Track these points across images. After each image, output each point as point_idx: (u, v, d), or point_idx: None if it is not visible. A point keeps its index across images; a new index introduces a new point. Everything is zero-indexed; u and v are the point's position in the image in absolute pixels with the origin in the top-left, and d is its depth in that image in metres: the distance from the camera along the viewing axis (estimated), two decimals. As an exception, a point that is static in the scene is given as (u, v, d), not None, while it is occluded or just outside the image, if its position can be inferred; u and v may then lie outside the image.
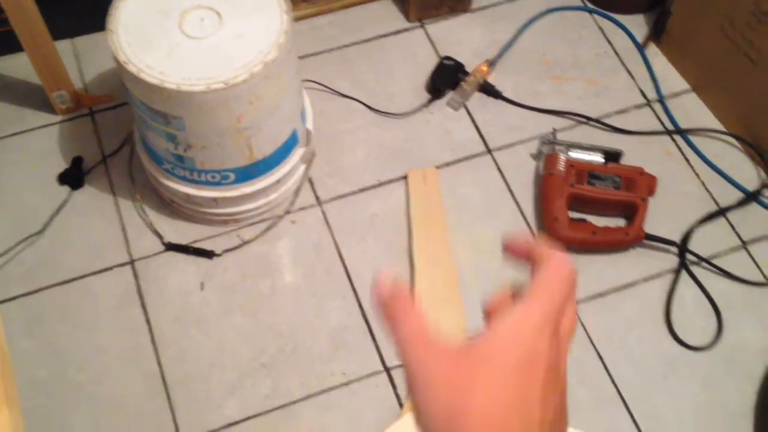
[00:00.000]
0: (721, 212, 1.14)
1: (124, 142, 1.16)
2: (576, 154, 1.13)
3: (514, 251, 0.40)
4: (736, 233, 1.13)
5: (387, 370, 1.00)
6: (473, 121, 1.21)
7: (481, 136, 1.20)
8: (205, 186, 1.04)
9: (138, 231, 1.09)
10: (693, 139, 1.20)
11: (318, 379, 0.99)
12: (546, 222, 1.10)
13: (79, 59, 1.23)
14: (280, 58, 0.91)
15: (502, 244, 0.40)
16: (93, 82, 1.21)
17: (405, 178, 1.15)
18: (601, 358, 1.02)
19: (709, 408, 1.00)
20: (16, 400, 0.59)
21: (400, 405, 0.98)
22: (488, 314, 0.38)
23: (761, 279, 1.09)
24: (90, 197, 1.12)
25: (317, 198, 1.13)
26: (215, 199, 1.06)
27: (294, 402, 0.98)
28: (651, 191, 1.11)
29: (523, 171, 1.17)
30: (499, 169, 1.17)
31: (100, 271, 1.06)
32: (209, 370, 0.99)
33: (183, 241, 1.09)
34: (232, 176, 1.03)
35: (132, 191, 1.12)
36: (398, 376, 1.00)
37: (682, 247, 1.10)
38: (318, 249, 1.09)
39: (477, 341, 0.34)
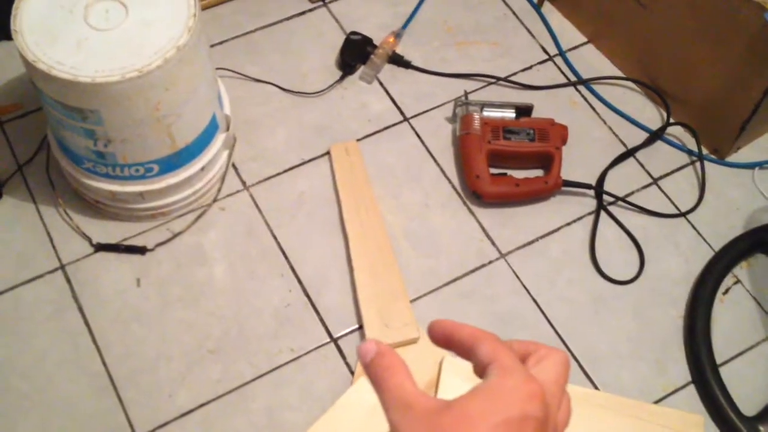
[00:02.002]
0: (630, 153, 1.20)
1: (38, 148, 1.13)
2: (489, 113, 1.17)
3: (449, 342, 0.38)
4: (646, 171, 1.19)
5: (334, 340, 1.02)
6: (387, 92, 1.24)
7: (397, 105, 1.23)
8: (129, 181, 1.03)
9: (65, 236, 1.07)
10: (595, 87, 1.26)
11: (267, 357, 1.00)
12: (468, 180, 1.14)
13: (-21, 70, 1.19)
14: (191, 42, 0.91)
15: (437, 333, 0.39)
16: (-3, 91, 1.18)
17: (328, 153, 1.17)
18: (536, 302, 1.07)
19: (641, 336, 1.06)
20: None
21: (351, 372, 1.00)
22: (478, 369, 0.37)
23: (674, 211, 1.16)
24: (10, 209, 1.09)
25: (243, 183, 1.14)
26: (141, 194, 1.05)
27: (246, 383, 0.98)
28: (563, 140, 1.16)
29: (440, 135, 1.20)
30: (418, 136, 1.20)
31: (30, 280, 1.04)
32: (156, 363, 0.99)
33: (112, 240, 1.07)
34: (156, 168, 1.02)
35: (53, 197, 1.10)
36: (346, 345, 1.02)
37: (599, 189, 1.16)
38: (250, 232, 1.10)
39: (458, 401, 0.34)
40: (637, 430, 0.96)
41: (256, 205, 1.12)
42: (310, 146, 1.18)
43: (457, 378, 0.97)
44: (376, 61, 1.25)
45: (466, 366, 1.02)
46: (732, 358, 1.05)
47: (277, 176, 1.15)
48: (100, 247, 1.07)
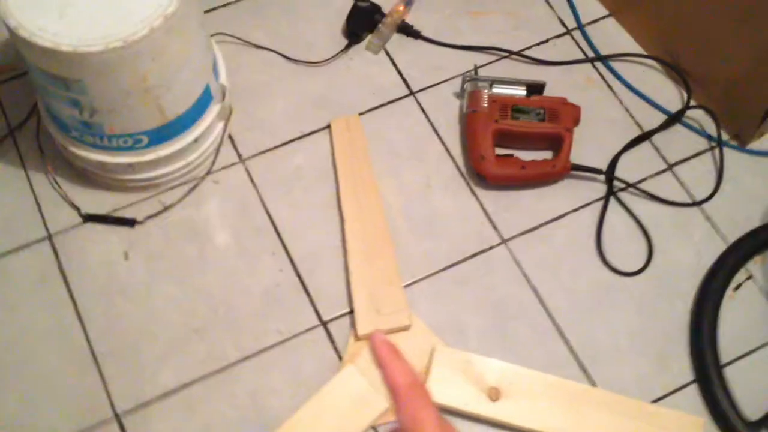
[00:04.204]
0: (646, 136, 1.14)
1: (30, 112, 1.10)
2: (499, 89, 1.12)
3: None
4: (662, 156, 1.13)
5: (323, 323, 0.99)
6: (394, 63, 1.19)
7: (403, 78, 1.17)
8: (117, 152, 0.99)
9: (54, 204, 1.05)
10: (614, 64, 1.19)
11: (254, 338, 0.98)
12: (473, 161, 1.09)
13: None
14: (180, 11, 0.87)
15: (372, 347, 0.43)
16: (-10, 51, 1.15)
17: (328, 127, 1.12)
18: (535, 291, 1.03)
19: (644, 330, 1.01)
20: None
21: (339, 358, 0.97)
22: None
23: (687, 200, 1.10)
24: (-1, 173, 1.07)
25: (239, 155, 1.10)
26: (131, 165, 1.01)
27: (231, 364, 0.96)
28: (576, 121, 1.10)
29: (447, 111, 1.15)
30: (423, 111, 1.15)
31: (16, 249, 1.01)
32: (140, 341, 0.97)
33: (102, 211, 1.04)
34: (146, 139, 0.98)
35: (43, 163, 1.07)
36: (335, 329, 0.98)
37: (609, 175, 1.10)
38: (244, 207, 1.06)
39: None
40: (634, 431, 0.92)
41: (251, 179, 1.08)
42: (311, 119, 1.13)
43: (447, 368, 0.93)
44: (384, 31, 1.19)
45: (458, 356, 0.98)
46: (738, 358, 1.00)
47: (275, 149, 1.11)
48: (89, 218, 1.04)
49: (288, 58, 1.17)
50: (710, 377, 0.97)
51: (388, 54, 1.19)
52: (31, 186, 1.06)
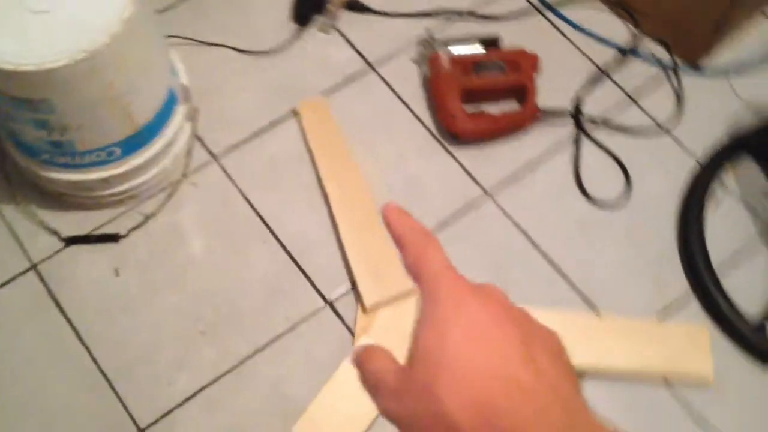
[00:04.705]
0: (604, 73, 1.17)
1: (-11, 145, 1.07)
2: (456, 49, 1.13)
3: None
4: (623, 90, 1.16)
5: (328, 303, 0.99)
6: (348, 41, 1.19)
7: (360, 54, 1.18)
8: (91, 168, 0.97)
9: (31, 233, 1.02)
10: (563, 11, 1.22)
11: (262, 330, 0.97)
12: (444, 121, 1.10)
13: None
14: (136, 14, 0.86)
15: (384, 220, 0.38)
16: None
17: (295, 112, 1.12)
18: (527, 236, 1.04)
19: (637, 256, 1.04)
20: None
21: (351, 333, 0.97)
22: None
23: (655, 127, 1.13)
24: (-32, 212, 1.03)
25: (212, 154, 1.09)
26: (106, 180, 0.99)
27: (244, 360, 0.95)
28: (535, 68, 1.12)
29: (409, 78, 1.16)
30: (385, 83, 1.16)
31: (1, 285, 0.99)
32: (149, 352, 0.95)
33: (82, 232, 1.02)
34: (118, 150, 0.97)
35: (12, 194, 1.04)
36: (341, 306, 0.99)
37: (576, 114, 1.13)
38: (226, 204, 1.05)
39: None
40: (646, 351, 0.95)
41: (228, 175, 1.07)
42: (276, 107, 1.12)
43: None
44: (332, 10, 1.19)
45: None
46: (729, 266, 1.03)
47: (246, 142, 1.10)
48: (71, 241, 1.02)
49: (242, 51, 1.16)
50: (707, 286, 1.00)
51: (340, 32, 1.19)
52: (4, 219, 1.03)
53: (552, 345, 0.33)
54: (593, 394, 0.94)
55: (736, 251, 1.05)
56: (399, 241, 0.36)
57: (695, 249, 1.02)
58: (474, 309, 0.32)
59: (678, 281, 1.02)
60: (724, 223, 1.07)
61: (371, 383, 0.34)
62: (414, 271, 0.35)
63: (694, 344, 0.96)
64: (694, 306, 1.01)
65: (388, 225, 0.37)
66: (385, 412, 0.34)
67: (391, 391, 0.33)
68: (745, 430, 0.94)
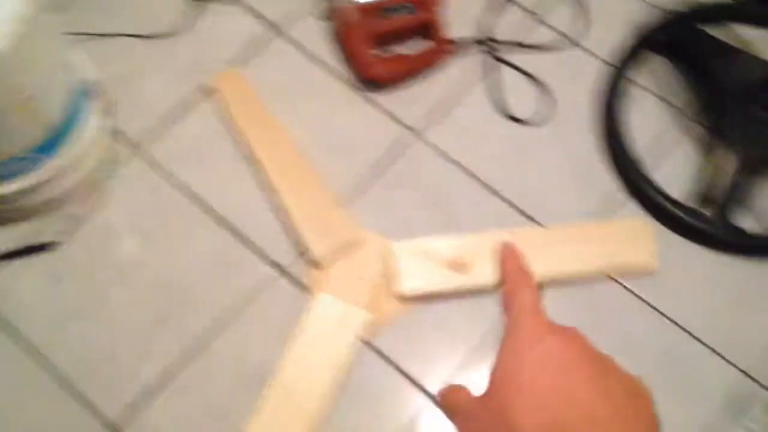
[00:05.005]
0: (506, -3, 1.18)
1: None
2: (359, -2, 1.13)
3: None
4: (526, 10, 1.18)
5: (278, 267, 0.99)
6: (250, 7, 1.17)
7: (264, 18, 1.16)
8: (10, 180, 0.94)
9: (-39, 258, 0.99)
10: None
11: (217, 308, 0.96)
12: (360, 70, 1.10)
13: None
14: (33, 13, 0.83)
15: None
16: None
17: (211, 88, 1.10)
18: (461, 166, 1.06)
19: (568, 165, 1.06)
20: None
21: (307, 292, 0.97)
22: None
23: (564, 40, 1.15)
24: None
25: (134, 145, 1.07)
26: (28, 188, 0.96)
27: (205, 340, 0.94)
28: (439, 1, 1.13)
29: (319, 35, 1.15)
30: (296, 44, 1.15)
31: (-59, 315, 0.95)
32: (109, 352, 0.93)
33: (11, 246, 0.99)
34: (36, 156, 0.93)
35: (-66, 222, 1.00)
36: (292, 268, 0.98)
37: (488, 41, 1.14)
38: (157, 192, 1.04)
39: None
40: (593, 252, 0.98)
41: (154, 163, 1.05)
42: (191, 86, 1.11)
43: (411, 260, 0.95)
44: (226, -19, 1.17)
45: (417, 245, 1.00)
46: (655, 159, 1.07)
47: (167, 128, 1.08)
48: (1, 258, 0.98)
49: (145, 37, 1.14)
50: (638, 182, 1.03)
51: (235, 1, 1.18)
52: (-70, 248, 0.99)
53: (633, 388, 0.34)
54: (553, 301, 0.96)
55: (658, 144, 1.08)
56: (503, 277, 0.39)
57: (620, 149, 1.05)
58: (552, 343, 0.34)
59: (610, 182, 1.05)
60: (643, 120, 1.10)
61: (453, 410, 0.36)
62: (506, 305, 0.37)
63: (637, 237, 0.99)
64: (630, 203, 1.04)
65: (501, 262, 0.40)
66: None
67: (468, 413, 0.35)
68: (696, 307, 0.98)
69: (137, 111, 1.08)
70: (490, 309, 0.96)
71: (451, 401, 0.37)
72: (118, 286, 0.97)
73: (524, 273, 0.39)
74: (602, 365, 0.33)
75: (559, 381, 0.32)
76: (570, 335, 0.35)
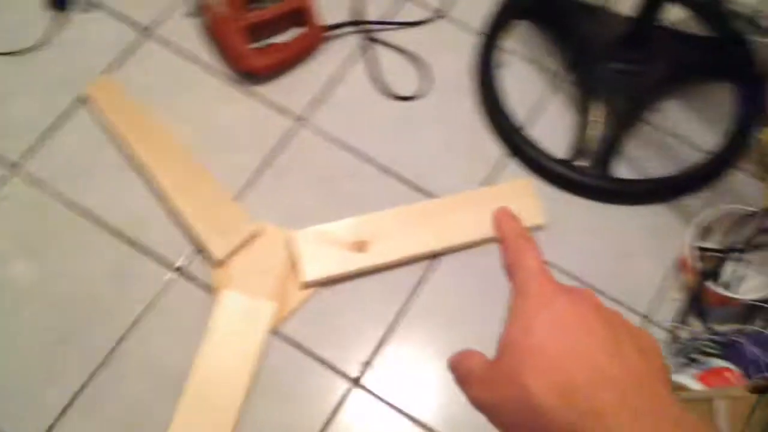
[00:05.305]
0: (373, -23, 1.20)
1: None
2: (226, -9, 1.12)
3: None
4: (393, -11, 1.21)
5: (178, 270, 0.98)
6: (115, 12, 1.15)
7: (132, 21, 1.14)
8: None
9: None
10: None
11: (121, 319, 0.95)
12: (235, 63, 1.09)
13: None
14: None
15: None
16: None
17: (84, 98, 1.07)
18: (348, 147, 1.07)
19: (452, 134, 1.10)
20: None
21: (209, 291, 0.97)
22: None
23: (432, 14, 1.18)
24: None
25: (11, 165, 1.03)
26: None
27: (112, 353, 0.93)
28: (307, -11, 1.14)
29: (190, 31, 1.14)
30: (167, 44, 1.13)
31: None
32: (15, 380, 0.91)
33: None
34: None
35: None
36: (192, 269, 0.98)
37: (359, 22, 1.16)
38: (43, 212, 1.01)
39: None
40: (482, 217, 1.01)
41: (36, 181, 1.02)
42: (62, 99, 1.07)
43: (312, 245, 0.97)
44: (87, -13, 1.14)
45: (315, 231, 1.01)
46: (531, 119, 1.12)
47: (42, 144, 1.05)
48: None
49: (6, 54, 1.10)
50: (517, 144, 1.08)
51: (99, 7, 1.15)
52: None
53: (643, 343, 0.35)
54: (449, 269, 1.00)
55: (534, 106, 1.13)
56: (502, 242, 0.38)
57: (499, 114, 1.10)
58: (561, 305, 0.34)
59: (493, 146, 1.10)
60: (518, 84, 1.14)
61: (463, 377, 0.37)
62: (510, 269, 0.37)
63: (522, 196, 1.03)
64: (512, 165, 1.08)
65: (497, 227, 0.38)
66: (475, 401, 0.36)
67: (481, 380, 0.36)
68: (585, 255, 1.03)
69: (10, 132, 1.05)
70: (399, 285, 0.99)
71: (465, 368, 0.38)
72: (15, 317, 0.94)
73: (524, 235, 0.39)
74: (612, 324, 0.35)
75: (571, 342, 0.33)
76: (579, 296, 0.36)
